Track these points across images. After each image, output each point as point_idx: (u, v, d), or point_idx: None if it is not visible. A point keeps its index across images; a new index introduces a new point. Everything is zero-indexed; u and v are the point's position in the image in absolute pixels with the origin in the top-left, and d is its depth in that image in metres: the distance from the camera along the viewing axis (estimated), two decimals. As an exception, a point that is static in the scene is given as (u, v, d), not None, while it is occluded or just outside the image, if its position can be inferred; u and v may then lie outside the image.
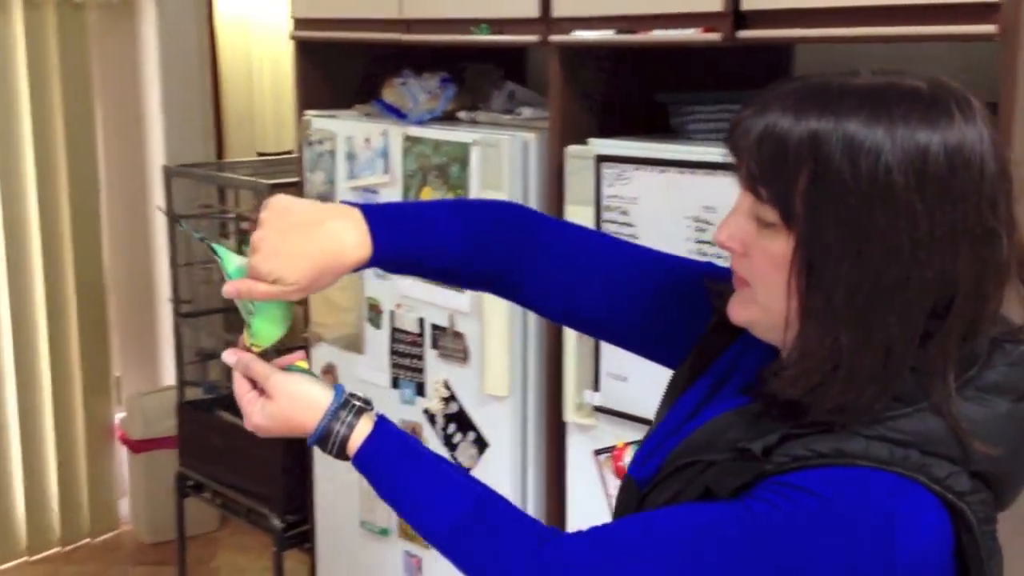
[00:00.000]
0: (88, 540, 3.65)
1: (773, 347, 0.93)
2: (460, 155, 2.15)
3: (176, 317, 3.07)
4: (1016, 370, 0.88)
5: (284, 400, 1.01)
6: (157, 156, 3.62)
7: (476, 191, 2.13)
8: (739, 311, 0.93)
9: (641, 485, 1.00)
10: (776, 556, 0.83)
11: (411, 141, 2.27)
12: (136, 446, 3.58)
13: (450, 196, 2.19)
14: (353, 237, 1.01)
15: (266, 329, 1.03)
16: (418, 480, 0.97)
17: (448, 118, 2.32)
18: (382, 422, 1.00)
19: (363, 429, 0.99)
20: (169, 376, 3.81)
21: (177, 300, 3.06)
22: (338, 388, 1.02)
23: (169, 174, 3.03)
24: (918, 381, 0.84)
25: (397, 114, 2.30)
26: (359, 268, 1.03)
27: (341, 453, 1.00)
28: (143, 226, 3.71)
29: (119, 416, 3.70)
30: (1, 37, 3.27)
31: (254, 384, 1.04)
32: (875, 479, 0.83)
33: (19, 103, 3.33)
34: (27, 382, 3.46)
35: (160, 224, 3.68)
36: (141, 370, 3.79)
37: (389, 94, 2.33)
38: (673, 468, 0.94)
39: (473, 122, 2.30)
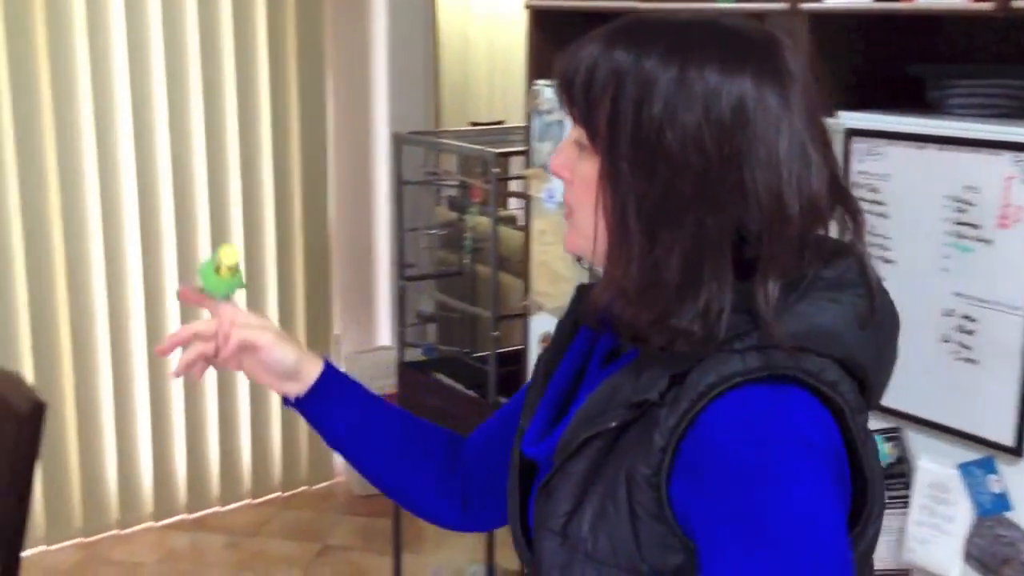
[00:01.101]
0: (306, 488, 3.87)
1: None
2: (697, 127, 2.11)
3: (400, 280, 3.17)
4: (847, 270, 0.94)
5: None
6: (381, 124, 3.74)
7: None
8: (569, 240, 0.98)
9: (541, 466, 1.03)
10: (762, 523, 0.84)
11: (645, 112, 2.24)
12: (352, 402, 3.74)
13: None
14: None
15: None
16: None
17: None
18: None
19: None
20: (383, 336, 3.96)
21: (402, 264, 3.16)
22: None
23: (399, 141, 3.12)
24: (753, 295, 0.89)
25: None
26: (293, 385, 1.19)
27: None
28: (365, 191, 3.86)
29: (337, 373, 3.87)
30: (244, 9, 3.45)
31: None
32: (755, 397, 0.87)
33: (259, 73, 3.52)
34: (256, 336, 3.68)
35: (382, 189, 3.81)
36: (358, 330, 3.95)
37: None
38: (577, 445, 0.95)
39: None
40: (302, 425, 3.81)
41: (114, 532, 3.54)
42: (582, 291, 1.08)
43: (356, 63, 3.74)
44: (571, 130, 0.95)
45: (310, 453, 3.86)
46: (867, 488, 0.92)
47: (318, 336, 3.82)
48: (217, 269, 1.13)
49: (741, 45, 0.90)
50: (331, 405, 1.18)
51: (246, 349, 1.16)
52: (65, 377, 3.37)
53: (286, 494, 3.82)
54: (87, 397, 3.41)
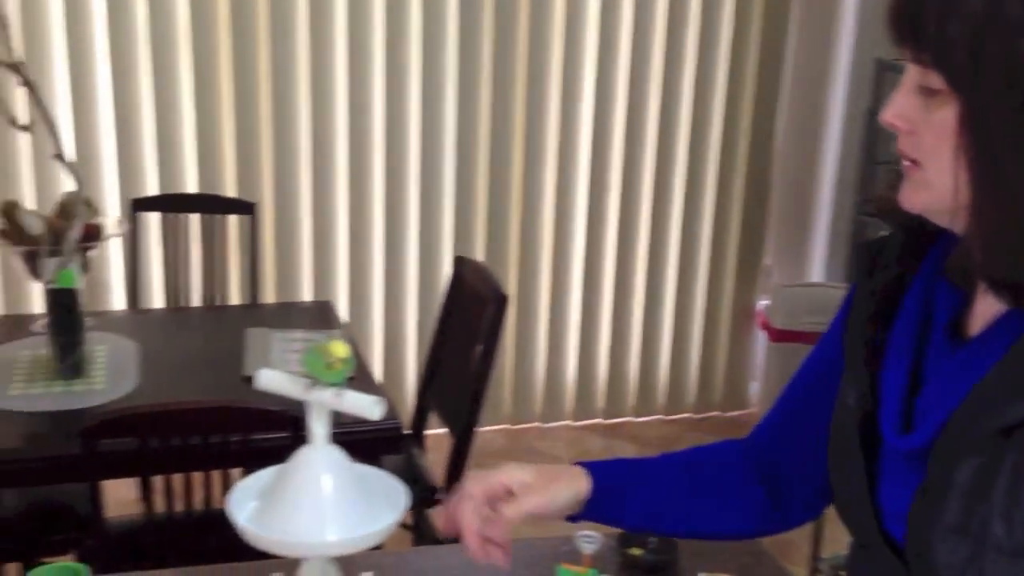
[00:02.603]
0: (718, 413, 3.89)
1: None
2: None
3: (859, 215, 3.04)
4: None
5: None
6: (844, 51, 3.56)
7: None
8: (912, 196, 0.89)
9: (917, 453, 0.92)
10: None
11: None
12: (775, 335, 3.67)
13: None
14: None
15: None
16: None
17: None
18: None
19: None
20: (816, 272, 3.84)
21: (864, 198, 3.01)
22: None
23: (882, 68, 2.94)
24: None
25: None
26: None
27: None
28: (817, 120, 3.71)
29: (762, 303, 3.82)
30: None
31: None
32: None
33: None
34: (687, 259, 3.72)
35: (836, 119, 3.65)
36: (790, 262, 3.85)
37: None
38: (979, 435, 0.86)
39: None
40: (721, 351, 3.82)
41: (537, 424, 3.79)
42: (862, 249, 1.02)
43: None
44: (910, 75, 0.86)
45: (726, 380, 3.86)
46: None
47: (747, 265, 3.78)
48: (329, 365, 1.14)
49: None
50: (616, 502, 1.16)
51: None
52: (512, 276, 3.61)
53: (698, 416, 3.86)
54: (527, 296, 3.65)
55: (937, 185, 0.86)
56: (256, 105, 3.26)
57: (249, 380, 2.26)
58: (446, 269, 3.51)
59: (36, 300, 3.19)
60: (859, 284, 1.03)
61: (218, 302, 3.06)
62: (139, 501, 3.06)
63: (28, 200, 3.12)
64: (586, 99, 3.51)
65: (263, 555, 1.20)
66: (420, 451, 2.71)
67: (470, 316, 2.58)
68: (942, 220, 0.89)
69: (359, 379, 2.30)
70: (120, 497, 3.06)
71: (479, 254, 3.54)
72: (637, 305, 3.74)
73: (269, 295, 3.41)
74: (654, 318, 3.76)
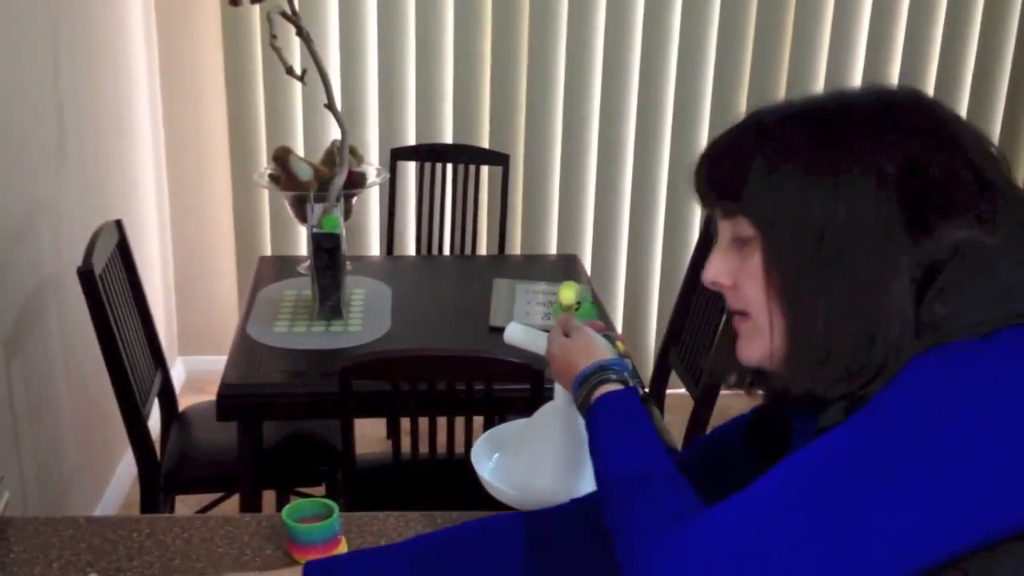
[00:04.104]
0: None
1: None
2: None
3: None
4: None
5: (578, 340, 1.12)
6: None
7: None
8: (747, 349, 0.91)
9: None
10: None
11: None
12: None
13: None
14: None
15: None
16: (620, 436, 0.97)
17: None
18: (634, 390, 1.02)
19: (610, 387, 1.02)
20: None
21: None
22: (624, 361, 1.08)
23: None
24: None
25: None
26: None
27: (584, 404, 1.03)
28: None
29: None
30: None
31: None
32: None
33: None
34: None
35: None
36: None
37: None
38: None
39: None
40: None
41: (781, 394, 3.65)
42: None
43: None
44: (723, 233, 0.90)
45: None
46: None
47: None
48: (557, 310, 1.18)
49: (892, 112, 0.85)
50: None
51: None
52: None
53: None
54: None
55: (765, 328, 0.88)
56: (514, 60, 3.28)
57: (495, 330, 2.32)
58: (695, 227, 3.42)
59: (302, 242, 3.39)
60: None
61: (467, 252, 3.12)
62: (386, 440, 3.21)
63: (298, 147, 3.30)
64: (896, 52, 3.30)
65: (503, 506, 1.20)
66: (658, 412, 2.67)
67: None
68: (773, 364, 0.90)
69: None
70: (368, 435, 3.21)
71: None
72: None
73: (516, 247, 3.45)
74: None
